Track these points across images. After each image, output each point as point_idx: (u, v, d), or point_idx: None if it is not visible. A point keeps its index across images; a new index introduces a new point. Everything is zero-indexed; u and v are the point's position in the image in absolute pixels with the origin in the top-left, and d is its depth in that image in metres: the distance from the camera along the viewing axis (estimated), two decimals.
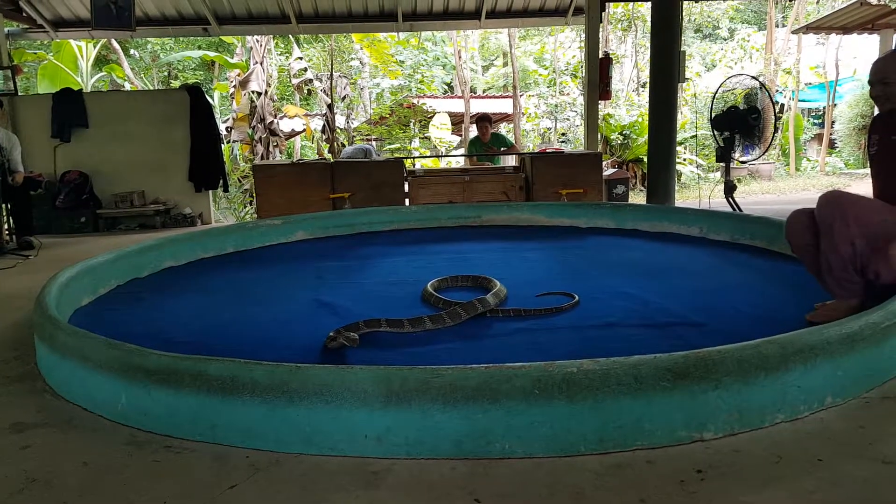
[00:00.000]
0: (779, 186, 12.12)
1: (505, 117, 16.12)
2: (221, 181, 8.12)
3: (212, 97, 13.33)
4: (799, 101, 15.43)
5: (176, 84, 15.21)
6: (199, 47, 14.75)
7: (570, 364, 1.82)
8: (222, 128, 12.08)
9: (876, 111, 2.90)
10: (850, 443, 1.81)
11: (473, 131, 14.21)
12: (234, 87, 11.71)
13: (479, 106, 16.34)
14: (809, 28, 12.53)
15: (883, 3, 10.59)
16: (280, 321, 2.98)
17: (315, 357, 2.44)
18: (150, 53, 16.58)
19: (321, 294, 3.37)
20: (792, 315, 2.75)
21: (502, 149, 7.80)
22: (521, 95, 16.02)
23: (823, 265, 2.60)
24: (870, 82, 2.79)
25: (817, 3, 15.53)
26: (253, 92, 11.37)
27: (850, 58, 17.07)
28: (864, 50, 16.06)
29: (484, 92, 19.59)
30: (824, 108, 15.87)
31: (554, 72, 17.04)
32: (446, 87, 19.57)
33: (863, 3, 10.42)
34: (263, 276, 3.98)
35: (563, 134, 15.95)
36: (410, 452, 1.76)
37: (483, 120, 7.69)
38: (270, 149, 11.53)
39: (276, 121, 11.73)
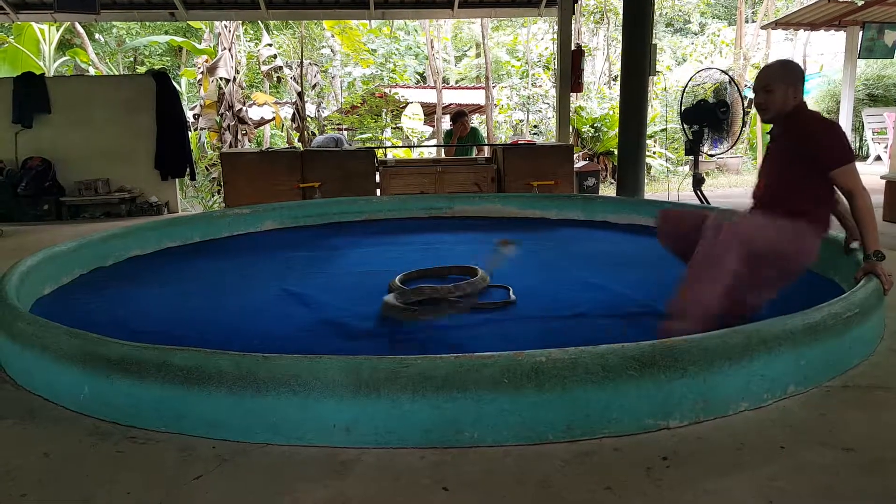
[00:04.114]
0: (746, 180, 12.31)
1: (478, 109, 16.10)
2: (188, 169, 7.97)
3: (179, 83, 13.05)
4: None
5: (142, 70, 14.85)
6: (167, 32, 14.43)
7: (539, 353, 1.82)
8: (189, 115, 11.86)
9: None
10: (811, 430, 1.85)
11: (445, 122, 14.21)
12: (202, 73, 11.48)
13: (451, 97, 16.29)
14: (778, 24, 12.75)
15: (849, 0, 10.81)
16: (247, 311, 2.95)
17: (283, 347, 2.41)
18: (116, 38, 16.16)
19: (289, 284, 3.33)
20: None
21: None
22: (493, 87, 16.01)
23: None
24: (754, 90, 2.73)
25: None
26: (221, 79, 11.16)
27: (817, 54, 17.44)
28: (830, 46, 16.42)
29: (457, 83, 19.55)
30: None
31: (526, 63, 17.06)
32: (419, 77, 19.47)
33: (830, 0, 10.63)
34: (231, 266, 3.93)
35: (535, 126, 16.00)
36: (379, 442, 1.75)
37: (460, 116, 7.71)
38: (239, 137, 11.34)
39: (244, 108, 11.53)
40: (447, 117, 11.82)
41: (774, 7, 15.93)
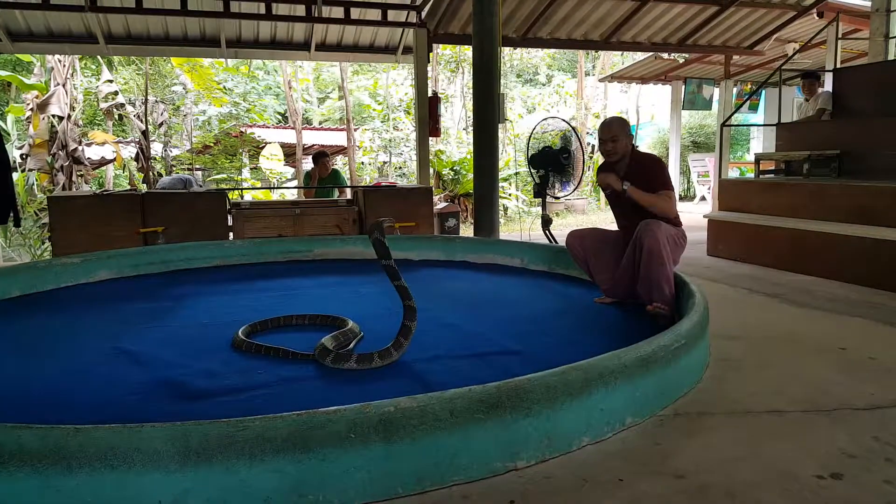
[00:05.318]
0: (591, 219, 13.23)
1: (341, 150, 16.06)
2: (12, 214, 7.13)
3: (4, 121, 11.83)
4: None
5: None
6: None
7: (386, 403, 1.78)
8: (16, 154, 10.73)
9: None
10: (647, 461, 1.95)
11: (306, 163, 14.01)
12: (31, 110, 10.46)
13: (313, 138, 16.14)
14: (614, 77, 14.02)
15: (672, 58, 12.17)
16: (72, 375, 2.62)
17: (110, 414, 2.17)
18: None
19: (123, 341, 3.02)
20: (599, 338, 2.96)
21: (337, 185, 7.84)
22: (356, 129, 16.07)
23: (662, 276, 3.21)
24: (601, 140, 3.54)
25: (621, 55, 17.41)
26: (54, 116, 10.23)
27: (649, 104, 19.35)
28: (659, 98, 18.29)
29: (320, 123, 19.41)
30: None
31: (387, 107, 17.36)
32: (280, 117, 19.11)
33: (657, 58, 11.91)
34: (55, 323, 3.51)
35: (399, 168, 16.24)
36: None
37: (321, 156, 7.68)
38: (74, 178, 10.40)
39: (80, 148, 10.61)
40: (309, 158, 11.67)
41: (611, 62, 17.51)
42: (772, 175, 6.97)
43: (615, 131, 3.52)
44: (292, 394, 2.38)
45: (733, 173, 14.00)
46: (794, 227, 5.53)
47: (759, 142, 15.49)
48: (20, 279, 4.23)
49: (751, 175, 8.05)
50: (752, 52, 10.79)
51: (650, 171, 3.48)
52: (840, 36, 9.23)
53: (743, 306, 4.24)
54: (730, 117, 9.35)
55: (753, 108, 13.93)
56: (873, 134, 5.87)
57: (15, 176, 8.14)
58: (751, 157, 14.99)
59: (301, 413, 1.69)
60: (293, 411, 1.70)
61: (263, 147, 14.64)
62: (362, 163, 16.37)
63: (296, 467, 1.64)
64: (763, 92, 12.80)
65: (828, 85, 7.43)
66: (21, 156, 10.78)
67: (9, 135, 11.50)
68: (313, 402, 1.85)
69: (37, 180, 10.98)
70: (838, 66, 8.87)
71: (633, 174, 3.50)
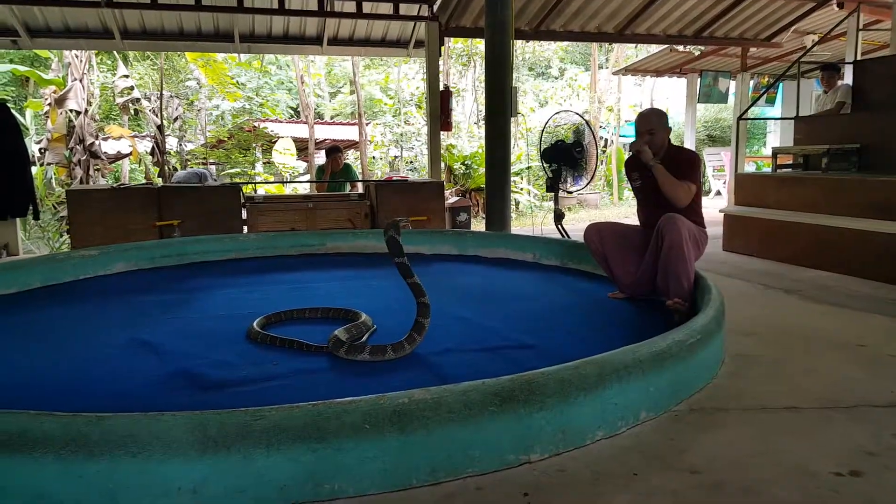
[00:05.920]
0: (604, 214, 13.16)
1: (353, 144, 16.10)
2: (31, 208, 7.23)
3: (23, 115, 11.96)
4: (620, 136, 16.99)
5: None
6: (12, 61, 13.20)
7: (401, 395, 1.79)
8: (35, 149, 10.86)
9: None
10: (662, 455, 1.94)
11: (318, 157, 14.07)
12: (50, 104, 10.57)
13: (325, 132, 16.18)
14: (628, 70, 13.92)
15: (688, 50, 12.06)
16: (91, 364, 2.67)
17: (128, 403, 2.20)
18: None
19: (139, 332, 3.06)
20: (612, 333, 2.96)
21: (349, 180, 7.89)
22: (367, 123, 16.09)
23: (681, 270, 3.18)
24: (637, 132, 3.46)
25: (635, 48, 17.27)
26: (71, 111, 10.33)
27: (663, 98, 19.20)
28: (674, 91, 18.15)
29: (332, 118, 19.46)
30: None
31: (399, 101, 17.35)
32: (292, 112, 19.19)
33: (672, 50, 11.80)
34: (73, 314, 3.57)
35: (410, 162, 16.24)
36: (231, 503, 1.62)
37: (334, 151, 7.75)
38: (91, 172, 10.51)
39: (97, 142, 10.72)
40: (321, 152, 11.72)
41: (625, 55, 17.38)
42: (789, 169, 6.90)
43: (653, 123, 3.43)
44: (307, 385, 2.40)
45: (749, 168, 13.87)
46: (812, 222, 5.47)
47: (777, 136, 15.33)
48: (39, 271, 4.30)
49: (767, 169, 7.97)
50: (769, 44, 10.65)
51: (681, 167, 3.39)
52: (861, 27, 9.08)
53: (759, 302, 4.21)
54: (746, 111, 9.22)
55: (770, 102, 13.76)
56: (894, 127, 5.78)
57: (33, 170, 8.25)
58: (768, 152, 14.85)
59: (317, 403, 1.71)
60: (309, 402, 1.72)
61: (276, 141, 14.70)
62: (374, 157, 16.40)
63: (311, 457, 1.66)
64: (781, 85, 12.65)
65: (848, 77, 7.31)
66: (39, 150, 10.91)
67: (27, 129, 11.64)
68: (328, 393, 1.87)
69: (55, 174, 11.11)
70: (859, 58, 8.73)
71: (667, 168, 3.42)
